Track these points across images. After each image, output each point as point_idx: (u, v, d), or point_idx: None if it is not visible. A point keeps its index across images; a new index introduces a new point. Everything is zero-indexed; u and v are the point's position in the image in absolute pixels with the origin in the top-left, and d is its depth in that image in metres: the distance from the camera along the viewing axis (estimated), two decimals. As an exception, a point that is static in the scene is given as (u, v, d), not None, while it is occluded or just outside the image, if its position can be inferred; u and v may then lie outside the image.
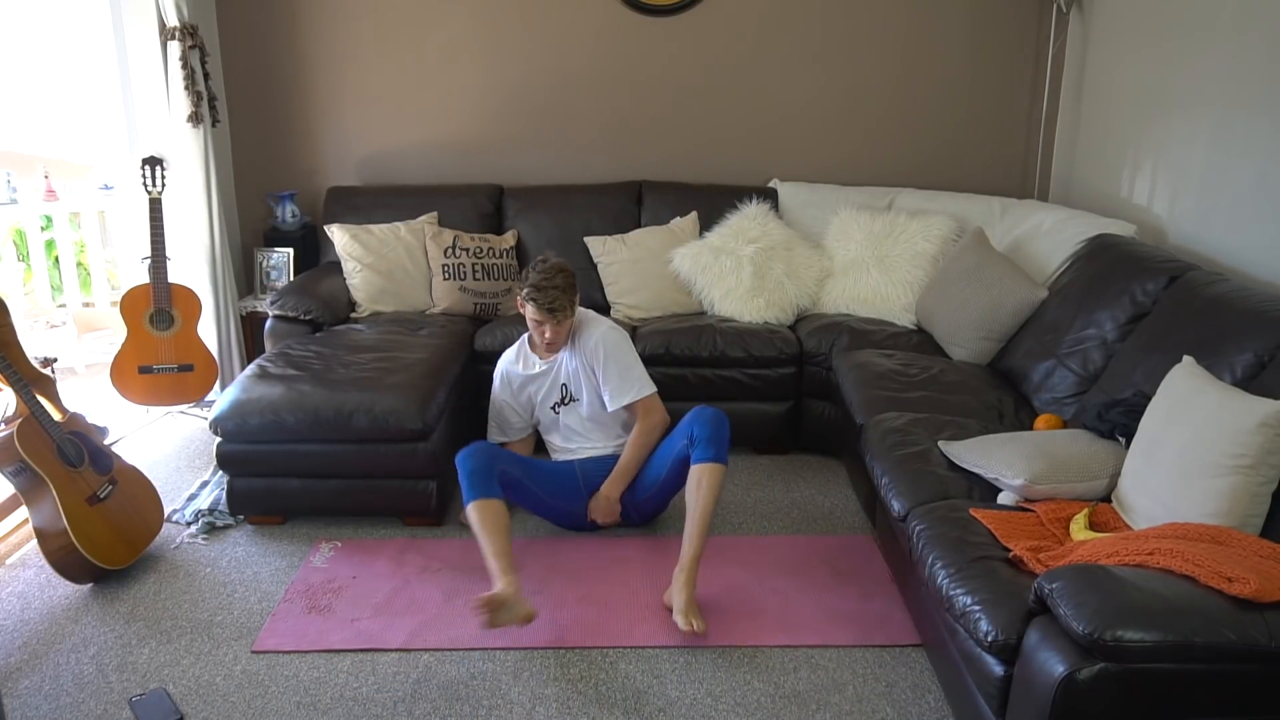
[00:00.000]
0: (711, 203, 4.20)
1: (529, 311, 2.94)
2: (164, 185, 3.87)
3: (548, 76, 4.39)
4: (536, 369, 3.12)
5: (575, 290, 2.96)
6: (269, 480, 3.13)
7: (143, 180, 3.84)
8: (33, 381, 2.81)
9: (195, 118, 3.97)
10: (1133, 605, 1.67)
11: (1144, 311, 2.89)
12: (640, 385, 3.05)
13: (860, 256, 3.96)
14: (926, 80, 4.39)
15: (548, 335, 2.96)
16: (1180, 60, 3.40)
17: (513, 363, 3.17)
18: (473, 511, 2.70)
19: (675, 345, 3.63)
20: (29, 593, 2.80)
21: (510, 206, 4.27)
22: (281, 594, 2.78)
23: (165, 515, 3.12)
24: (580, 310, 3.08)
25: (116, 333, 4.18)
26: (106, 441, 3.16)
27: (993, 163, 4.48)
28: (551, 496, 3.04)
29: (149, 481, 3.06)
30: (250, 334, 4.39)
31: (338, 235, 4.02)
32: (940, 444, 2.70)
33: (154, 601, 2.75)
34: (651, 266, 4.00)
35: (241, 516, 3.20)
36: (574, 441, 3.15)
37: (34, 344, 4.39)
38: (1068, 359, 3.05)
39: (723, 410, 2.84)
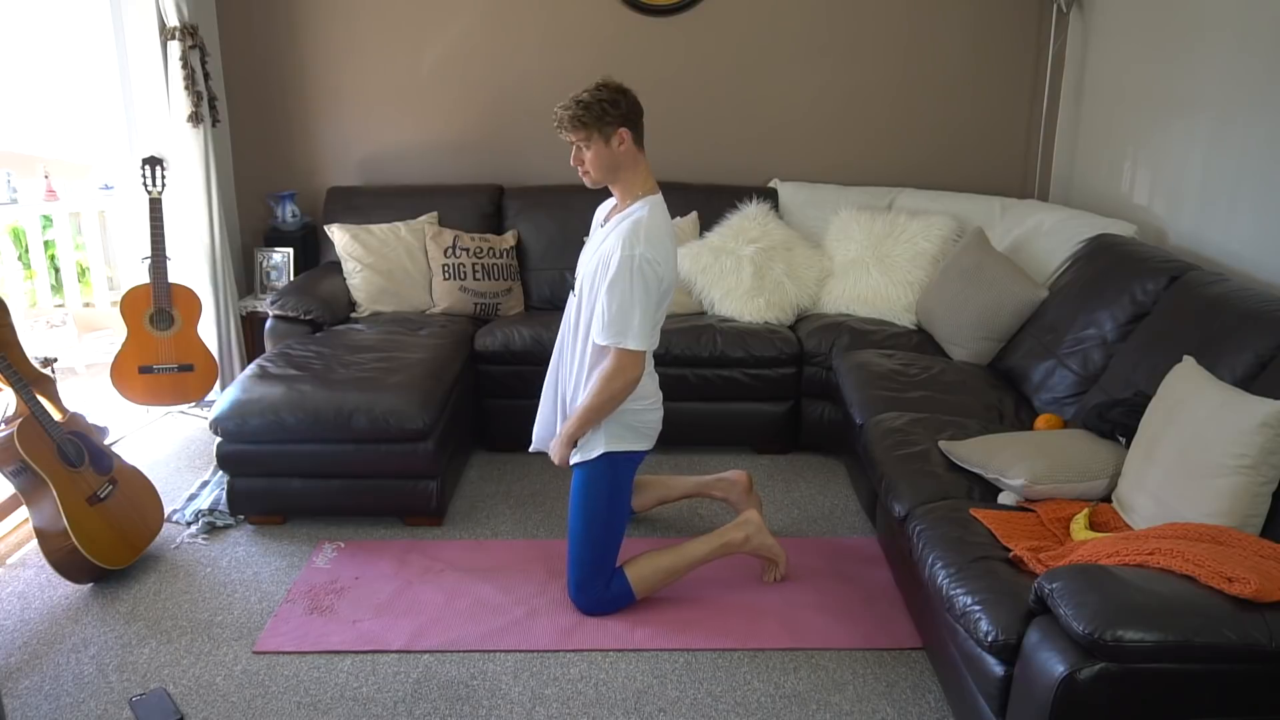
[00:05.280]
0: (711, 203, 4.19)
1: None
2: (164, 185, 3.87)
3: (548, 76, 4.39)
4: (596, 229, 2.56)
5: (611, 109, 2.33)
6: (269, 480, 3.13)
7: (143, 180, 3.84)
8: (33, 381, 2.81)
9: (195, 118, 3.97)
10: (1133, 605, 1.67)
11: (1144, 311, 2.89)
12: (620, 331, 2.34)
13: (860, 256, 3.96)
14: (927, 80, 4.39)
15: (573, 159, 2.45)
16: (1180, 60, 3.40)
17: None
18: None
19: (675, 345, 3.62)
20: (29, 593, 2.80)
21: (510, 206, 4.27)
22: (283, 594, 2.78)
23: (165, 515, 3.12)
24: (654, 195, 2.48)
25: (116, 333, 4.18)
26: (106, 441, 3.16)
27: (993, 163, 4.48)
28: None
29: (149, 481, 3.06)
30: (250, 334, 4.39)
31: (338, 235, 4.02)
32: (940, 444, 2.70)
33: (154, 601, 2.75)
34: (651, 266, 3.99)
35: (242, 516, 3.20)
36: (559, 354, 2.57)
37: (34, 344, 4.38)
38: (1068, 359, 3.05)
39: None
